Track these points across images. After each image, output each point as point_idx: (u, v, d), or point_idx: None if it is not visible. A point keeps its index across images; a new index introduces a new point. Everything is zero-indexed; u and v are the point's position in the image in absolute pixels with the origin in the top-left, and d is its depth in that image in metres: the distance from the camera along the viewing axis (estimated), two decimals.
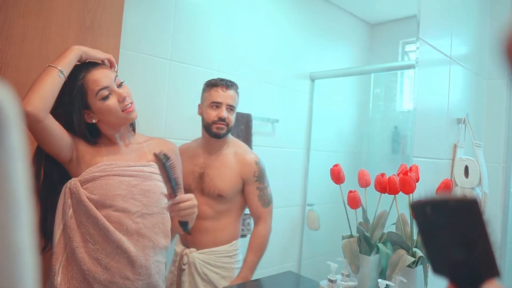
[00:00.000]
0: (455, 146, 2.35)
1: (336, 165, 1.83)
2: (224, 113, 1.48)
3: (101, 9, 1.37)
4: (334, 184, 1.84)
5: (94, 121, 1.10)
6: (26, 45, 1.19)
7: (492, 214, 2.51)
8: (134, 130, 1.25)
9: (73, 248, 1.03)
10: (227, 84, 1.51)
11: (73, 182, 1.07)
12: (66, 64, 1.02)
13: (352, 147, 2.56)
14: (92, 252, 1.04)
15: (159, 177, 1.14)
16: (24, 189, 0.31)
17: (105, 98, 1.06)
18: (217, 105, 1.49)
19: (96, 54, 1.10)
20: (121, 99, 1.07)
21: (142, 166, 1.15)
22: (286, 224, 2.22)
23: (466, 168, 2.27)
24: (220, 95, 1.49)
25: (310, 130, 2.33)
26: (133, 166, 1.12)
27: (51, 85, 0.99)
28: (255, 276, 2.03)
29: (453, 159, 2.34)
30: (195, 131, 1.74)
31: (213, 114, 1.48)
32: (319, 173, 2.26)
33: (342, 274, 1.69)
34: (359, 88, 2.65)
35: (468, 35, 2.54)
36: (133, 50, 1.52)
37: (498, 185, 2.56)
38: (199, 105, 1.56)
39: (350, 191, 1.78)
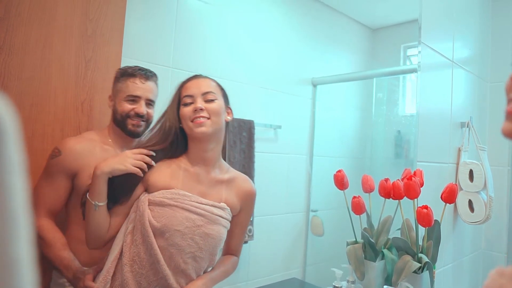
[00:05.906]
0: (459, 150, 2.33)
1: (339, 171, 1.82)
2: (142, 108, 1.28)
3: (103, 18, 1.38)
4: (338, 189, 1.82)
5: (180, 124, 1.13)
6: (28, 54, 1.20)
7: (498, 218, 2.49)
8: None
9: (123, 264, 1.04)
10: (147, 75, 1.31)
11: (143, 198, 1.07)
12: (98, 194, 1.04)
13: (355, 152, 2.55)
14: (136, 274, 1.03)
15: (225, 222, 1.13)
16: (22, 202, 0.30)
17: (186, 104, 1.11)
18: (134, 99, 1.27)
19: (122, 167, 1.04)
20: (196, 109, 1.09)
21: (213, 206, 1.11)
22: (290, 230, 2.21)
23: (471, 172, 2.25)
24: (139, 87, 1.28)
25: (313, 135, 2.33)
26: (204, 204, 1.09)
27: (97, 223, 1.06)
28: (259, 283, 2.01)
29: (458, 163, 2.32)
30: None
31: (128, 107, 1.27)
32: (323, 179, 2.25)
33: (348, 281, 1.68)
34: (361, 93, 2.64)
35: (470, 38, 2.53)
36: (135, 58, 1.53)
37: (503, 189, 2.53)
38: (110, 97, 1.34)
39: (354, 197, 1.76)
